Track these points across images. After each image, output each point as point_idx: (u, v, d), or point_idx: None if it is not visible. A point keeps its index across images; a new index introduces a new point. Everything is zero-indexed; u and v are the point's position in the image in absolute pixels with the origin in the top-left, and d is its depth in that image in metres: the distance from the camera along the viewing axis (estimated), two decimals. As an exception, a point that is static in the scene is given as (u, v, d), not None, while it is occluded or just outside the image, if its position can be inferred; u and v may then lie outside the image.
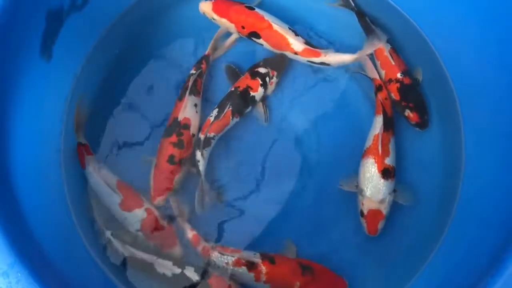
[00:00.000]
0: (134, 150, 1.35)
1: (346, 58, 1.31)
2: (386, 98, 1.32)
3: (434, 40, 1.35)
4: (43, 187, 1.18)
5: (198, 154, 1.27)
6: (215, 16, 1.37)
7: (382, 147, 1.25)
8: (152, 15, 1.43)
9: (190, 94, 1.32)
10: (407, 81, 1.35)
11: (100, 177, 1.27)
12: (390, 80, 1.35)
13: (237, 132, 1.36)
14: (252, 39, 1.37)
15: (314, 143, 1.36)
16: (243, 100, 1.33)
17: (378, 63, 1.37)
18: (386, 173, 1.25)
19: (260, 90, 1.34)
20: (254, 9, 1.36)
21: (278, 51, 1.37)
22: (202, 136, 1.28)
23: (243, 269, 1.19)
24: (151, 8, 1.43)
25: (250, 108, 1.35)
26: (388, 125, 1.28)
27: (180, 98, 1.33)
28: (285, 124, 1.38)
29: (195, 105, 1.33)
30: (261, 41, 1.36)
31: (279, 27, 1.33)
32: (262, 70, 1.36)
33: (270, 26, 1.33)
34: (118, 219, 1.26)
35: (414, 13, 1.37)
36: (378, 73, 1.35)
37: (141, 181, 1.29)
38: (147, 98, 1.39)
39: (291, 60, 1.38)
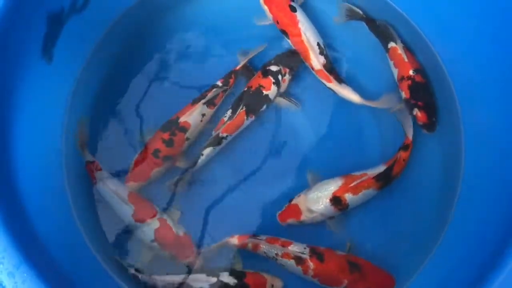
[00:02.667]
0: (135, 150, 1.35)
1: (354, 97, 1.30)
2: (404, 160, 1.28)
3: (433, 40, 1.36)
4: (46, 188, 1.18)
5: (208, 150, 1.29)
6: (261, 0, 1.38)
7: (357, 186, 1.24)
8: (152, 16, 1.44)
9: (203, 103, 1.32)
10: (418, 78, 1.32)
11: (111, 191, 1.27)
12: (402, 78, 1.34)
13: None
14: (283, 35, 1.38)
15: (313, 143, 1.37)
16: (257, 99, 1.33)
17: (392, 62, 1.36)
18: (336, 201, 1.24)
19: (273, 88, 1.34)
20: (296, 11, 1.36)
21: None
22: (214, 134, 1.30)
23: (292, 262, 1.21)
24: (151, 9, 1.44)
25: (264, 106, 1.34)
26: (382, 179, 1.25)
27: (193, 102, 1.33)
28: (285, 124, 1.38)
29: (203, 114, 1.33)
30: (289, 41, 1.37)
31: (306, 39, 1.33)
32: (274, 68, 1.36)
33: (299, 34, 1.33)
34: (133, 231, 1.26)
35: (413, 12, 1.38)
36: (392, 72, 1.36)
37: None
38: (148, 99, 1.40)
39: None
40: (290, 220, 1.27)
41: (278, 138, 1.37)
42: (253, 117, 1.34)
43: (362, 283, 1.19)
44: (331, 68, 1.33)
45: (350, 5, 1.40)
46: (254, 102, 1.33)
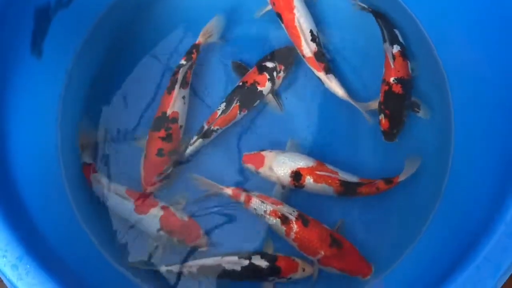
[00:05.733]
0: (128, 142, 1.37)
1: (339, 91, 1.31)
2: (378, 189, 1.25)
3: (421, 18, 1.37)
4: (44, 182, 1.19)
5: (198, 142, 1.31)
6: None
7: (322, 176, 1.25)
8: (140, 7, 1.44)
9: (179, 87, 1.33)
10: (397, 89, 1.31)
11: (109, 190, 1.28)
12: (383, 81, 1.33)
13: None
14: (278, 19, 1.38)
15: (307, 131, 1.38)
16: (251, 95, 1.34)
17: (384, 60, 1.35)
18: (296, 175, 1.26)
19: (268, 84, 1.35)
20: None
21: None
22: (206, 127, 1.31)
23: (277, 220, 1.23)
24: (138, 1, 1.44)
25: (258, 102, 1.36)
26: (345, 186, 1.25)
27: (169, 91, 1.33)
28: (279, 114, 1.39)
29: (183, 97, 1.34)
30: (283, 25, 1.38)
31: (299, 24, 1.34)
32: (269, 64, 1.36)
33: (292, 19, 1.34)
34: (138, 226, 1.27)
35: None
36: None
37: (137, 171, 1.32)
38: (140, 89, 1.40)
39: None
40: (250, 165, 1.30)
41: (272, 128, 1.39)
42: (246, 112, 1.35)
43: (337, 261, 1.21)
44: (322, 57, 1.34)
45: None
46: (248, 98, 1.34)
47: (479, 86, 1.22)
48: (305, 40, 1.33)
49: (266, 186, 1.31)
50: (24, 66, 1.17)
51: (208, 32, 1.39)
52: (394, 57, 1.33)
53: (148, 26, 1.44)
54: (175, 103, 1.32)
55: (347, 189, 1.25)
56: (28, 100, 1.19)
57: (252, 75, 1.36)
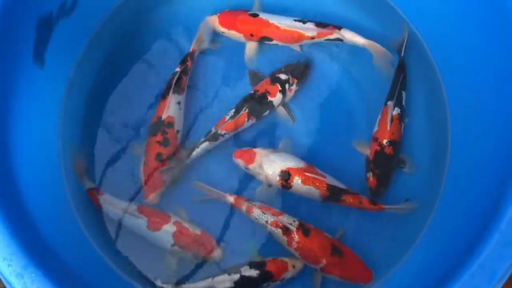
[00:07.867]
0: (129, 147, 1.38)
1: (359, 39, 1.35)
2: (361, 203, 1.26)
3: (417, 24, 1.40)
4: (47, 191, 1.20)
5: (204, 144, 1.32)
6: (223, 29, 1.40)
7: (310, 178, 1.26)
8: (140, 14, 1.46)
9: (173, 93, 1.35)
10: (388, 150, 1.30)
11: (119, 210, 1.29)
12: (376, 139, 1.32)
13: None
14: (266, 43, 1.41)
15: (303, 138, 1.39)
16: (260, 104, 1.35)
17: (379, 117, 1.35)
18: (285, 175, 1.27)
19: (279, 96, 1.36)
20: (258, 15, 1.39)
21: (294, 46, 1.40)
22: (213, 130, 1.33)
23: (279, 231, 1.25)
24: (137, 8, 1.46)
25: (267, 112, 1.37)
26: (330, 191, 1.26)
27: (164, 97, 1.35)
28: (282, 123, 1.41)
29: (179, 102, 1.36)
30: (274, 42, 1.40)
31: (285, 25, 1.37)
32: (283, 76, 1.37)
33: (277, 27, 1.37)
34: (152, 242, 1.28)
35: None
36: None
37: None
38: (138, 95, 1.42)
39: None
40: (240, 161, 1.31)
41: (274, 136, 1.40)
42: (254, 120, 1.36)
43: (339, 269, 1.22)
44: (323, 24, 1.37)
45: (406, 35, 1.38)
46: (258, 106, 1.35)
47: (477, 101, 1.25)
48: (300, 27, 1.37)
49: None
50: (27, 75, 1.18)
51: (201, 39, 1.41)
52: (392, 119, 1.32)
53: (147, 33, 1.46)
54: (170, 108, 1.33)
55: (332, 195, 1.27)
56: (31, 108, 1.20)
57: (264, 85, 1.38)
